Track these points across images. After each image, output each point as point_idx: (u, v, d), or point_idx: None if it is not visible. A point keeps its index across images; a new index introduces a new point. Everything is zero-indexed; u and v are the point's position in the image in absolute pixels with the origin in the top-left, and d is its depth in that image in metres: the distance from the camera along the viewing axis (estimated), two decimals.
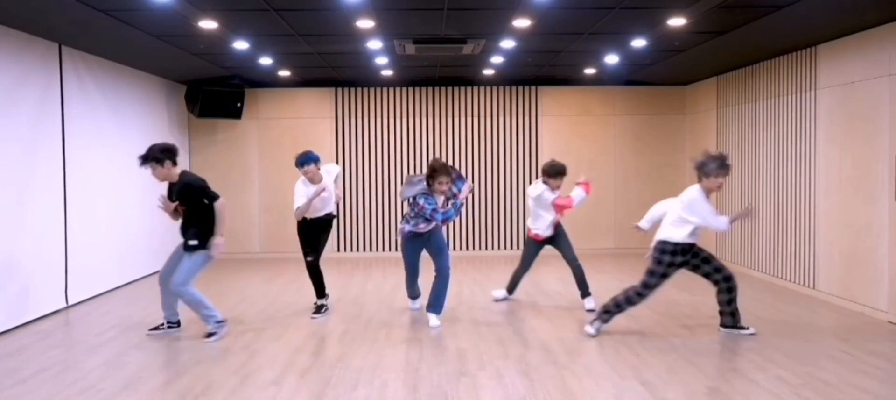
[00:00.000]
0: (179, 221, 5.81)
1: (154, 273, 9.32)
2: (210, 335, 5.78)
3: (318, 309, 6.63)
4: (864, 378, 4.67)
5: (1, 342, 5.80)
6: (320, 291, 6.69)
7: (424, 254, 6.46)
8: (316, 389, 4.54)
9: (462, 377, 4.75)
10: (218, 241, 5.70)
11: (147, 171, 5.67)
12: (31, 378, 4.81)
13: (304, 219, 6.57)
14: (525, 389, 4.51)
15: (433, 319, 6.26)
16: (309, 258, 6.59)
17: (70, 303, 7.18)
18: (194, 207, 5.70)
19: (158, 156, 5.63)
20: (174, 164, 5.70)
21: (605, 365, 5.01)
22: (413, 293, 6.88)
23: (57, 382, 4.75)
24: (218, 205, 5.69)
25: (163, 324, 6.05)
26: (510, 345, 5.57)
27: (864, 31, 6.63)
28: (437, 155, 10.96)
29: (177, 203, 5.72)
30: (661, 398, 4.32)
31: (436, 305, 6.32)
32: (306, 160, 6.42)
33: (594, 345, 5.54)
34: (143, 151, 5.67)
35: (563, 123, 11.13)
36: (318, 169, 6.52)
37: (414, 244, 6.38)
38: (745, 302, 6.83)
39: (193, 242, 5.67)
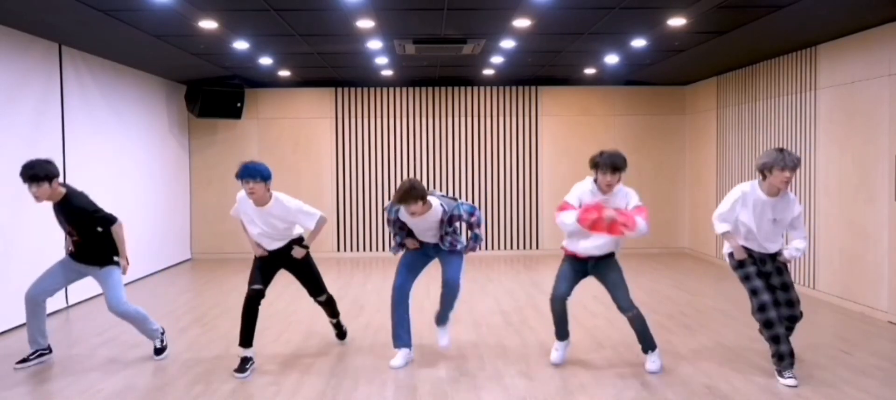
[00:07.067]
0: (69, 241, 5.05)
1: (154, 273, 9.34)
2: (160, 351, 5.25)
3: (244, 365, 4.87)
4: (864, 378, 4.66)
5: (1, 342, 5.80)
6: (247, 337, 4.95)
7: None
8: (316, 388, 4.54)
9: (462, 377, 4.75)
10: (125, 263, 5.04)
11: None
12: (31, 378, 4.81)
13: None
14: (525, 389, 4.51)
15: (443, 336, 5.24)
16: (255, 287, 5.01)
17: (70, 303, 7.18)
18: (90, 232, 4.90)
19: (54, 172, 4.72)
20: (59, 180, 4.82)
21: (605, 365, 5.01)
22: (401, 336, 5.03)
23: (57, 382, 4.75)
24: (115, 228, 4.91)
25: (32, 354, 5.10)
26: (510, 345, 5.57)
27: (864, 31, 6.63)
28: (437, 155, 10.96)
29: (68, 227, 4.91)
30: (661, 398, 4.32)
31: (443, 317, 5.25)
32: (246, 172, 4.74)
33: (594, 345, 5.54)
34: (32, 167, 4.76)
35: (563, 123, 11.13)
36: (267, 190, 4.87)
37: (417, 253, 5.18)
38: (745, 302, 6.81)
39: (117, 258, 5.03)
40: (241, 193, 4.99)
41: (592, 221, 4.60)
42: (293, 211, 4.97)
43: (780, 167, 4.46)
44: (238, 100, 10.39)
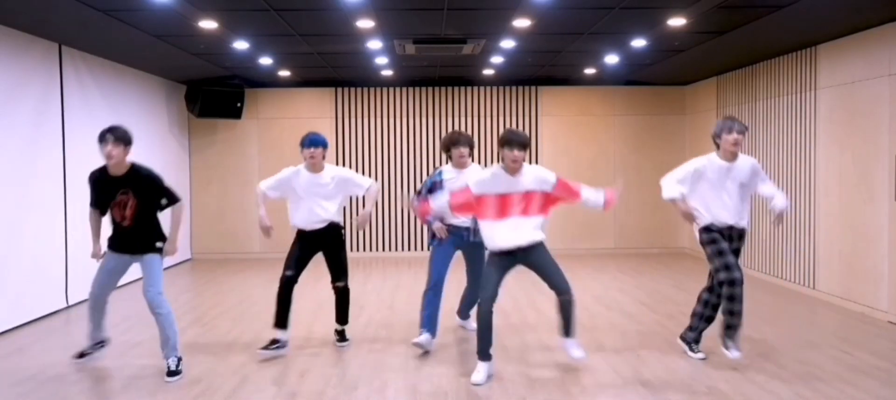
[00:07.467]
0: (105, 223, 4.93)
1: None
2: (173, 374, 4.75)
3: (272, 343, 5.27)
4: (864, 378, 4.66)
5: (1, 342, 5.80)
6: (281, 319, 5.33)
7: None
8: (316, 388, 4.54)
9: (462, 377, 4.74)
10: (172, 247, 4.91)
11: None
12: (31, 378, 4.81)
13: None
14: (525, 389, 4.50)
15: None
16: (288, 273, 5.33)
17: (70, 303, 7.17)
18: (151, 204, 4.83)
19: (130, 137, 4.82)
20: None
21: (605, 365, 5.01)
22: (430, 326, 5.33)
23: (57, 382, 4.75)
24: (179, 207, 4.89)
25: (91, 346, 5.11)
26: (510, 345, 5.57)
27: (864, 31, 6.63)
28: (438, 155, 10.95)
29: (124, 199, 4.76)
30: (661, 398, 4.32)
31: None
32: (312, 142, 5.29)
33: (594, 345, 5.54)
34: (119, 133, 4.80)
35: (563, 123, 11.13)
36: (324, 158, 5.36)
37: (446, 247, 5.42)
38: (745, 302, 6.81)
39: (161, 245, 4.88)
40: (289, 171, 5.35)
41: (461, 204, 4.66)
42: (347, 177, 5.45)
43: (727, 131, 4.77)
44: (238, 100, 10.40)
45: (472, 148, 5.44)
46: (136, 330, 6.19)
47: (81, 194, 7.37)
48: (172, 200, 4.87)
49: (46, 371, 4.97)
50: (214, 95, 10.16)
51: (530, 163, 11.48)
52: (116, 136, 4.73)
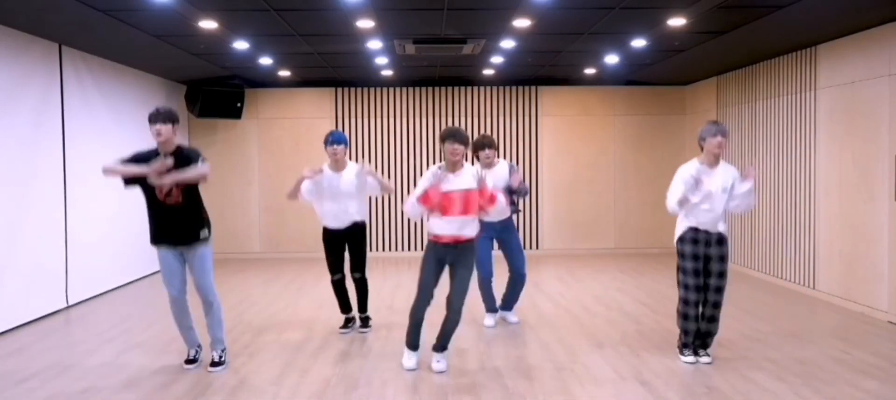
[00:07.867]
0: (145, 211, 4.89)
1: (154, 273, 9.33)
2: (217, 365, 4.97)
3: (347, 323, 6.07)
4: (864, 378, 4.66)
5: (1, 342, 5.80)
6: (345, 306, 6.11)
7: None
8: (316, 389, 4.54)
9: (462, 377, 4.75)
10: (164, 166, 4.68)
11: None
12: (31, 378, 4.81)
13: (326, 229, 5.90)
14: (525, 389, 4.51)
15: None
16: (335, 276, 6.01)
17: (70, 303, 7.18)
18: (194, 186, 4.87)
19: (176, 115, 4.83)
20: None
21: (605, 365, 5.01)
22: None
23: (57, 382, 4.75)
24: (204, 168, 4.84)
25: (196, 356, 5.11)
26: (510, 345, 5.57)
27: (864, 31, 6.63)
28: (438, 156, 10.95)
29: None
30: (661, 398, 4.32)
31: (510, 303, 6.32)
32: (335, 139, 5.73)
33: (594, 345, 5.54)
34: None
35: (563, 123, 11.13)
36: (346, 154, 5.81)
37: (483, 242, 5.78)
38: (745, 302, 6.83)
39: (206, 233, 5.02)
40: (323, 173, 5.73)
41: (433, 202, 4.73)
42: (365, 173, 5.75)
43: (712, 134, 4.92)
44: (238, 100, 10.40)
45: (494, 149, 5.90)
46: (137, 330, 6.19)
47: (81, 194, 7.42)
48: (204, 164, 4.82)
49: (46, 371, 4.97)
50: (214, 95, 10.16)
51: (532, 165, 11.44)
52: (164, 115, 4.76)
